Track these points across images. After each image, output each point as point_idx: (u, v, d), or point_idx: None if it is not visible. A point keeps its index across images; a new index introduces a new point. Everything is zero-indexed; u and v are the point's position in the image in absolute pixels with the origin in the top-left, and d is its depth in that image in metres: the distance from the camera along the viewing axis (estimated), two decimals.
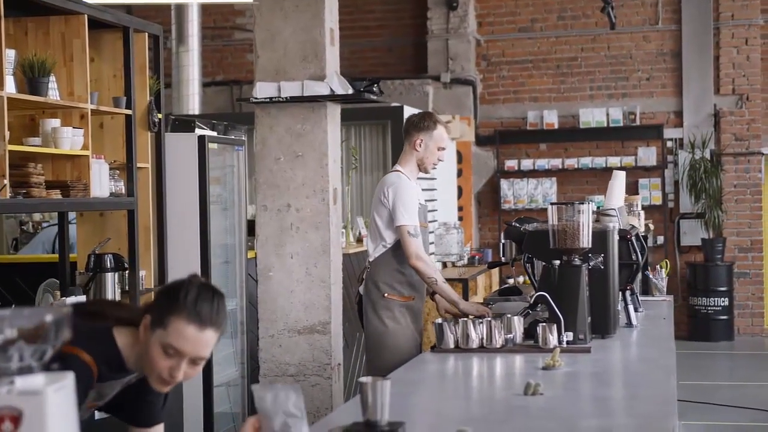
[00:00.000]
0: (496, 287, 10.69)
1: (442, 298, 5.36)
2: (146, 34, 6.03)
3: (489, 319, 4.39)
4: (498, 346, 4.31)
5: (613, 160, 12.82)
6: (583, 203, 4.49)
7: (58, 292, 5.57)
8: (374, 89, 6.15)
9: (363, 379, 2.74)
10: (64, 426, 1.77)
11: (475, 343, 4.32)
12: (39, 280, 6.08)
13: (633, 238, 5.17)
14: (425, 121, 5.42)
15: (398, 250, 5.30)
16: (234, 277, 7.14)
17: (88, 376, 2.64)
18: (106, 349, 2.69)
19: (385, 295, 5.30)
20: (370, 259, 5.41)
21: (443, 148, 5.44)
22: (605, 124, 12.94)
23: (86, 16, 5.34)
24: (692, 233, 12.82)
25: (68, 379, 1.80)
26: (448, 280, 9.17)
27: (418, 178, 5.54)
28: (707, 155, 12.62)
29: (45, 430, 1.72)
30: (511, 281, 12.66)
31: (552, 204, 4.53)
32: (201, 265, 6.45)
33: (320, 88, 5.87)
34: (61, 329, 1.79)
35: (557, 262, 4.48)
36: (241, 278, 7.13)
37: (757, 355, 11.95)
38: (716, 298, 12.46)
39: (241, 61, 13.73)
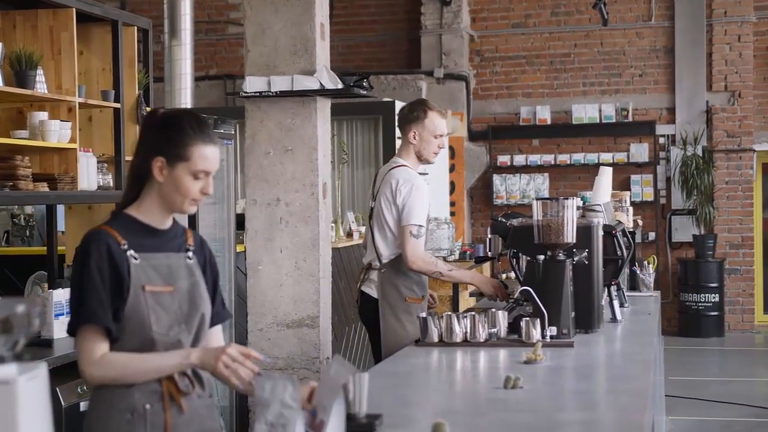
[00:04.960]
0: None
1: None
2: (135, 27, 6.05)
3: (473, 313, 4.40)
4: (481, 340, 4.32)
5: (606, 156, 12.85)
6: (567, 199, 4.51)
7: (46, 285, 5.58)
8: (364, 84, 6.17)
9: None
10: (37, 416, 1.78)
11: (458, 337, 4.33)
12: (29, 272, 6.10)
13: (619, 233, 5.19)
14: (415, 112, 5.27)
15: None
16: (223, 270, 7.14)
17: (103, 236, 2.86)
18: (121, 219, 2.93)
19: (407, 299, 5.18)
20: (383, 260, 5.22)
21: (440, 135, 5.26)
22: (598, 120, 12.96)
23: (74, 9, 5.36)
24: (684, 229, 12.85)
25: (41, 368, 1.81)
26: None
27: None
28: (699, 152, 12.64)
29: (16, 420, 1.73)
30: (503, 276, 12.71)
31: (537, 199, 4.54)
32: None
33: (310, 83, 5.89)
34: (32, 319, 1.80)
35: (542, 257, 4.49)
36: (230, 272, 7.14)
37: (747, 351, 11.98)
38: (707, 294, 12.49)
39: (235, 56, 13.74)
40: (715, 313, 12.53)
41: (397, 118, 5.44)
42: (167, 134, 2.90)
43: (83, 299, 2.82)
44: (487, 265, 11.65)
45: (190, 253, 3.00)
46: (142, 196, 2.93)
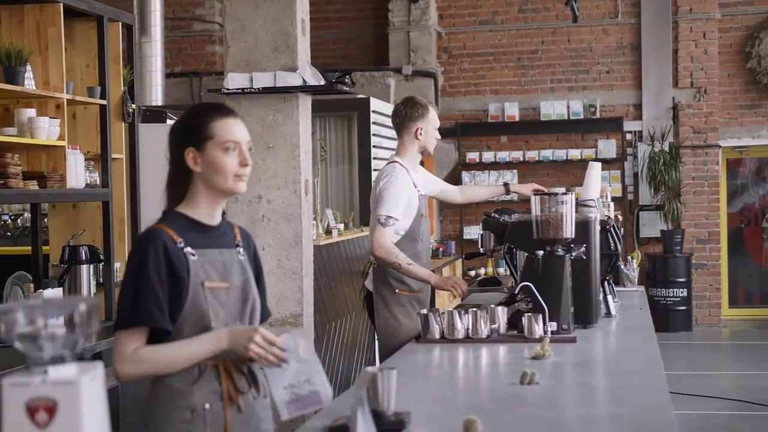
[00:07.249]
0: None
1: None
2: (120, 23, 5.96)
3: (474, 309, 4.39)
4: (483, 336, 4.31)
5: (574, 153, 12.90)
6: (566, 193, 4.50)
7: (31, 285, 5.48)
8: (346, 80, 6.14)
9: (370, 368, 2.73)
10: (98, 415, 1.75)
11: (460, 333, 4.32)
12: (10, 272, 5.99)
13: (611, 228, 5.21)
14: (418, 109, 5.39)
15: (403, 243, 5.22)
16: None
17: (159, 235, 2.84)
18: (173, 217, 2.92)
19: (396, 291, 5.25)
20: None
21: (437, 127, 5.49)
22: (566, 117, 13.01)
23: (61, 4, 5.27)
24: (651, 225, 12.94)
25: (99, 368, 1.77)
26: None
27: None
28: (666, 148, 12.73)
29: (80, 420, 1.70)
30: (472, 273, 12.72)
31: (535, 194, 4.54)
32: None
33: (292, 79, 5.85)
34: (92, 319, 1.76)
35: (540, 252, 4.49)
36: None
37: (714, 345, 12.10)
38: (675, 289, 12.59)
39: (201, 53, 13.63)
40: (683, 308, 12.64)
41: (395, 118, 5.45)
42: (187, 126, 2.93)
43: (139, 300, 2.78)
44: (459, 262, 11.66)
45: (241, 249, 3.00)
46: (188, 194, 2.93)
